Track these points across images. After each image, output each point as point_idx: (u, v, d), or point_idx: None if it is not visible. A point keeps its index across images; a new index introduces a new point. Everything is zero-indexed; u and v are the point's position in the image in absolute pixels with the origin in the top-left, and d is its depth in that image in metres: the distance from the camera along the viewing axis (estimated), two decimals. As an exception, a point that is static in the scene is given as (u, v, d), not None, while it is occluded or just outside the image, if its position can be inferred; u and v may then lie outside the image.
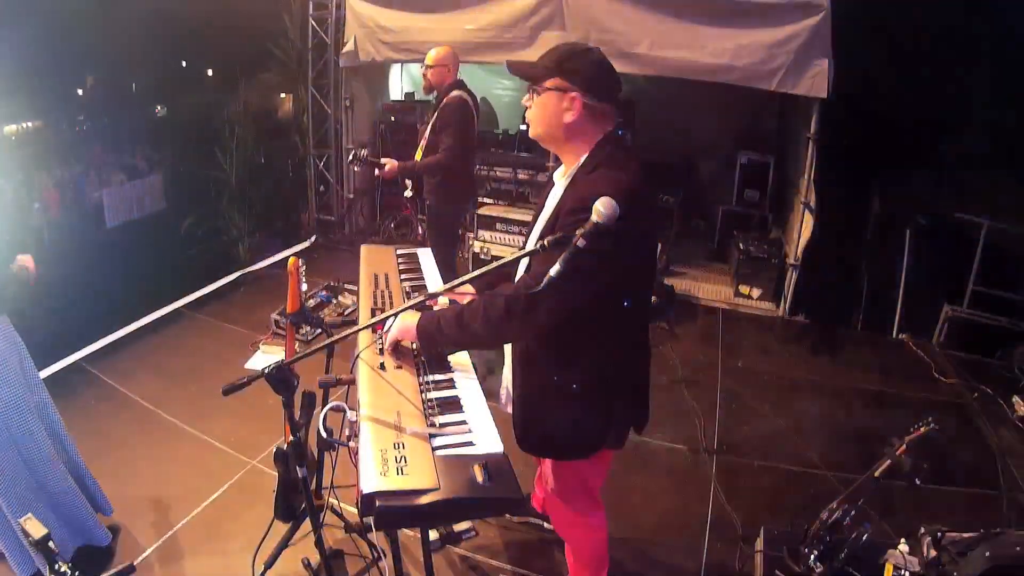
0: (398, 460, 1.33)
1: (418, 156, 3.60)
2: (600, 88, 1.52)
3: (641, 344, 1.75)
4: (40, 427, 2.06)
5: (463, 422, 1.50)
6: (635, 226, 1.42)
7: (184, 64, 5.28)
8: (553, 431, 1.68)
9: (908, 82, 3.96)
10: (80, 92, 4.55)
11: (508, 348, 1.77)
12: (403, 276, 2.29)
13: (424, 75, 3.52)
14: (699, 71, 4.12)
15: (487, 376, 2.65)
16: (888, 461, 1.98)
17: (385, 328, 1.72)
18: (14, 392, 1.99)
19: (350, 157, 3.99)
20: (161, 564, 2.31)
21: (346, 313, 4.20)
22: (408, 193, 3.78)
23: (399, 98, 6.30)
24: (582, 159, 1.54)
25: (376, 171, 3.53)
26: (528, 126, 1.62)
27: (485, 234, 4.85)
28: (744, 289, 4.80)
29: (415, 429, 1.44)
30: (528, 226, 1.77)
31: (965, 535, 1.97)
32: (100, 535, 2.27)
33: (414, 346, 1.76)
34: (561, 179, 1.62)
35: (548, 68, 1.53)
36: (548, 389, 1.64)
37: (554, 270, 1.32)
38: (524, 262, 1.63)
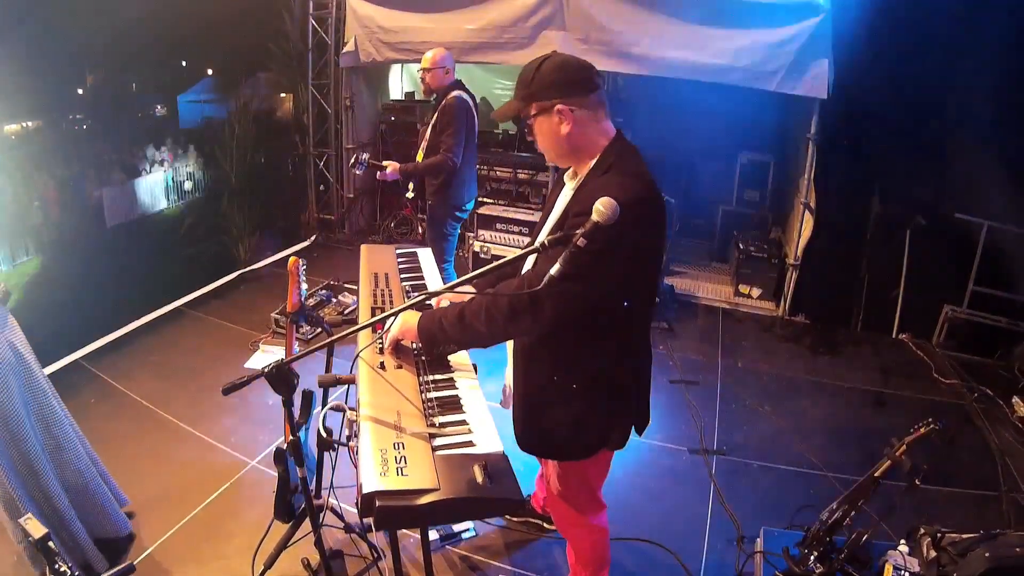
0: (398, 460, 1.33)
1: (419, 157, 3.60)
2: (575, 86, 1.50)
3: (643, 345, 1.74)
4: (35, 423, 2.05)
5: (463, 422, 1.50)
6: (638, 229, 1.42)
7: (184, 64, 5.28)
8: (554, 431, 1.68)
9: (908, 82, 3.96)
10: (80, 91, 4.54)
11: (510, 348, 1.77)
12: (403, 276, 2.29)
13: (421, 78, 3.52)
14: (699, 71, 4.12)
15: (486, 376, 2.64)
16: (888, 461, 1.98)
17: (385, 327, 1.72)
18: (19, 390, 1.98)
19: (351, 161, 3.98)
20: (161, 564, 2.31)
21: (346, 312, 4.20)
22: (410, 195, 3.78)
23: (399, 98, 6.30)
24: (593, 163, 1.54)
25: (378, 174, 3.54)
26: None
27: (485, 234, 4.86)
28: (744, 289, 4.81)
29: (415, 429, 1.44)
30: (528, 225, 1.77)
31: (965, 536, 1.97)
32: (122, 523, 2.33)
33: (414, 345, 1.76)
34: (571, 181, 1.62)
35: (522, 99, 1.54)
36: (549, 389, 1.64)
37: (554, 269, 1.32)
38: (529, 262, 1.62)
